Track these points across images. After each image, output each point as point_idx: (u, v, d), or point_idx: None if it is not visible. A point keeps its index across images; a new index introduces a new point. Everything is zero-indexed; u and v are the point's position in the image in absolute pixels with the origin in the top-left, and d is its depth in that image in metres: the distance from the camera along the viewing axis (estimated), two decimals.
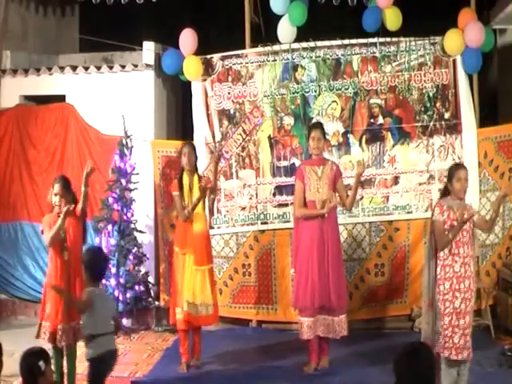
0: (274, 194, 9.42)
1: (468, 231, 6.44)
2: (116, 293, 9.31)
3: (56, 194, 6.87)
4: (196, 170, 7.96)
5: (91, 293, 6.04)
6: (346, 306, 7.74)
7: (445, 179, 8.77)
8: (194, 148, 7.99)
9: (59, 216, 6.87)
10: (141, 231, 9.56)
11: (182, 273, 7.75)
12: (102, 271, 6.35)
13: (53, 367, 6.09)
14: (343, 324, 7.58)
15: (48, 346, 6.53)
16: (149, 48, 9.92)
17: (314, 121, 9.13)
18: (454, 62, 9.19)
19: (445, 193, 6.63)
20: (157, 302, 9.65)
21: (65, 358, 7.06)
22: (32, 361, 4.71)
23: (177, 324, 7.85)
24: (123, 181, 9.38)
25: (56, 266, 6.94)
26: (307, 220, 7.57)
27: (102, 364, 6.08)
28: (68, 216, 6.88)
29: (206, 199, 7.96)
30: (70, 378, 7.03)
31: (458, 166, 6.73)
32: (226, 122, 9.55)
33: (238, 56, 9.54)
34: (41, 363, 4.67)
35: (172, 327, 8.34)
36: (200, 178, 7.90)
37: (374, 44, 9.25)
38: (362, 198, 9.26)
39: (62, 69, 10.22)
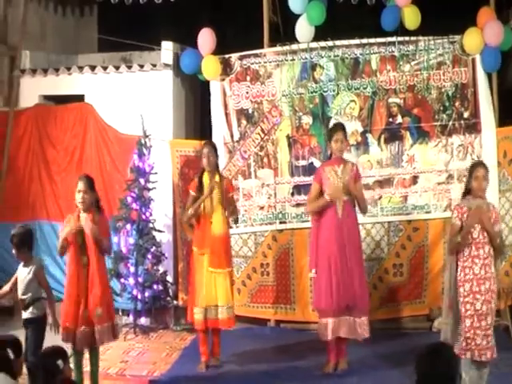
0: (293, 194, 9.42)
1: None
2: (134, 292, 9.34)
3: (79, 191, 6.84)
4: (217, 169, 7.97)
5: (40, 261, 7.37)
6: (368, 307, 7.71)
7: (464, 179, 8.79)
8: (214, 148, 7.96)
9: (79, 215, 6.87)
10: (159, 230, 9.57)
11: (200, 274, 7.76)
12: (33, 244, 7.36)
13: (72, 366, 6.15)
14: (365, 326, 7.53)
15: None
16: (167, 48, 9.93)
17: (332, 120, 9.14)
18: (473, 60, 9.15)
19: (466, 192, 6.60)
20: (175, 301, 9.66)
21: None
22: (51, 360, 4.74)
23: (195, 324, 7.86)
24: (142, 180, 9.39)
25: (74, 270, 6.87)
26: (326, 219, 7.55)
27: (44, 323, 6.95)
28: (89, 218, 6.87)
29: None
30: (94, 377, 7.04)
31: (475, 165, 6.70)
32: (244, 122, 9.55)
33: (256, 55, 9.55)
34: (59, 362, 4.70)
35: (190, 326, 8.34)
36: (221, 177, 7.92)
37: (393, 43, 9.22)
38: (380, 197, 9.25)
39: (80, 69, 10.25)
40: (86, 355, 7.09)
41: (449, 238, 6.53)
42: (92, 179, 7.06)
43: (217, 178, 7.84)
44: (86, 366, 7.09)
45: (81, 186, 6.87)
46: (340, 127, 7.83)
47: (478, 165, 6.67)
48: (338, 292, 7.43)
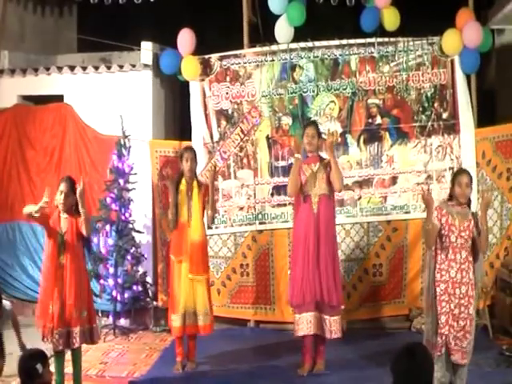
0: (272, 194, 9.43)
1: (467, 239, 6.41)
2: (114, 293, 9.32)
3: (62, 192, 6.83)
4: (195, 176, 7.94)
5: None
6: (341, 305, 7.64)
7: (443, 179, 8.85)
8: (195, 154, 7.93)
9: (60, 215, 6.85)
10: (139, 231, 9.55)
11: (178, 282, 7.72)
12: None
13: (53, 369, 6.11)
14: (336, 325, 7.50)
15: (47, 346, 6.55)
16: (147, 48, 9.92)
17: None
18: (452, 62, 9.20)
19: (449, 197, 6.62)
20: (155, 302, 9.64)
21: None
22: (30, 363, 4.71)
23: (172, 331, 7.85)
24: (121, 181, 9.37)
25: (51, 270, 6.81)
26: (302, 213, 7.58)
27: None
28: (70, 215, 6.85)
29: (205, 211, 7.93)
30: (76, 379, 7.00)
31: (460, 171, 6.74)
32: (224, 122, 9.56)
33: (236, 56, 9.55)
34: (38, 366, 4.67)
35: (170, 328, 8.32)
36: (200, 184, 7.88)
37: (372, 44, 9.26)
38: (359, 197, 9.28)
39: (59, 69, 10.20)
40: (68, 356, 7.06)
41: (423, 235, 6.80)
42: (74, 181, 7.02)
43: (195, 184, 7.81)
44: (67, 367, 7.05)
45: (63, 187, 6.87)
46: (311, 123, 7.95)
47: (463, 172, 6.68)
48: (308, 287, 7.44)
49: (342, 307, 7.73)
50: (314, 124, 7.87)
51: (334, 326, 7.49)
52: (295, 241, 7.76)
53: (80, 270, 6.92)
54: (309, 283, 7.46)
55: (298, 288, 7.54)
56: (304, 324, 7.50)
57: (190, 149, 8.07)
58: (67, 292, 6.78)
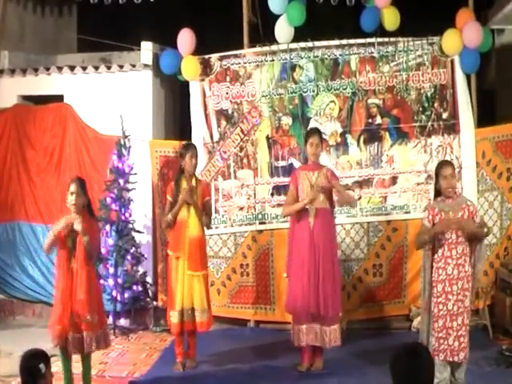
0: (272, 194, 9.43)
1: (463, 233, 6.41)
2: (114, 293, 9.31)
3: (72, 193, 6.77)
4: (194, 173, 7.94)
5: None
6: (339, 314, 7.61)
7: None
8: (197, 151, 7.93)
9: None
10: (139, 231, 9.55)
11: (176, 278, 7.73)
12: None
13: (60, 369, 6.09)
14: (335, 334, 7.46)
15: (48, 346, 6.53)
16: (147, 48, 9.91)
17: (312, 121, 9.20)
18: (452, 62, 9.20)
19: (436, 194, 6.60)
20: (155, 302, 9.65)
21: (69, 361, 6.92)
22: (32, 363, 4.69)
23: (171, 328, 7.85)
24: (121, 181, 9.37)
25: (63, 275, 6.71)
26: (299, 228, 7.52)
27: None
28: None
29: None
30: (86, 382, 6.93)
31: (441, 164, 6.68)
32: (224, 122, 9.56)
33: (236, 56, 9.55)
34: (41, 365, 4.65)
35: (169, 327, 8.32)
36: (198, 181, 7.90)
37: (372, 44, 9.26)
38: (360, 198, 9.27)
39: (59, 69, 10.20)
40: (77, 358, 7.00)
41: (417, 234, 6.62)
42: (84, 181, 6.97)
43: (193, 181, 7.82)
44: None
45: (73, 188, 6.79)
46: (315, 131, 7.80)
47: (445, 164, 6.65)
48: (307, 301, 7.37)
49: (340, 314, 7.71)
50: (318, 132, 7.76)
51: (332, 335, 7.45)
52: (290, 254, 7.69)
53: (90, 273, 6.84)
54: (305, 298, 7.39)
55: (295, 298, 7.50)
56: (301, 334, 7.46)
57: (194, 146, 8.07)
58: (78, 296, 6.71)
